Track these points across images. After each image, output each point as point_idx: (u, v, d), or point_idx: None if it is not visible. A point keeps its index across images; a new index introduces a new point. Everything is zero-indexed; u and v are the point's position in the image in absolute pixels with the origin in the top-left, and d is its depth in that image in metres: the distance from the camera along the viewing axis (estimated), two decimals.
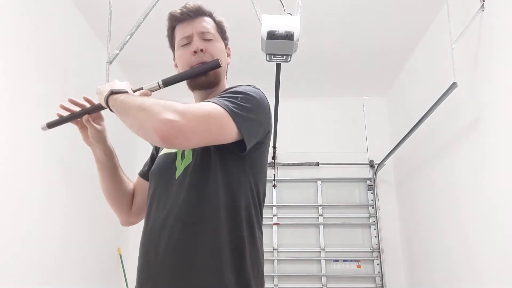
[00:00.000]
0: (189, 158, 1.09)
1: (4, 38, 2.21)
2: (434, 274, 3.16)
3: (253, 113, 1.04)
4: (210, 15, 1.23)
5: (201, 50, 1.16)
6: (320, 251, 4.02)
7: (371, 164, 4.20)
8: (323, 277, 3.94)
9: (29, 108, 2.39)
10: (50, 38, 2.65)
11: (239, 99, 1.03)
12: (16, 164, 2.28)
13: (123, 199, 1.30)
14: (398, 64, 3.79)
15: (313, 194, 4.21)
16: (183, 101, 0.98)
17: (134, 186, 1.34)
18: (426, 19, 3.15)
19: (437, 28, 3.12)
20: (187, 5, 1.20)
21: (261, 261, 1.09)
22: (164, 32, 1.27)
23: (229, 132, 0.99)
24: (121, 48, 2.21)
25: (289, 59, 2.03)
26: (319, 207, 4.14)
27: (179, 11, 1.20)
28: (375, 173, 4.15)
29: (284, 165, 4.23)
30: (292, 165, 4.24)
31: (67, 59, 2.87)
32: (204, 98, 1.22)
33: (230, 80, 1.28)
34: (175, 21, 1.22)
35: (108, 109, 1.10)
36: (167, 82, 1.13)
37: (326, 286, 3.91)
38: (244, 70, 3.58)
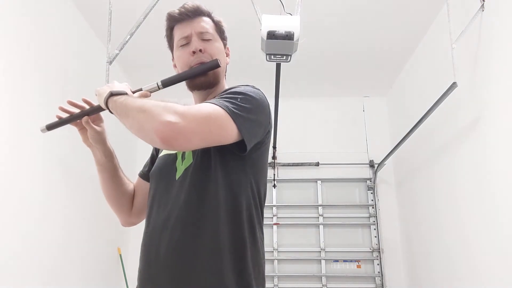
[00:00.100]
0: (189, 159, 1.09)
1: (4, 38, 2.21)
2: (434, 274, 3.16)
3: (253, 114, 1.04)
4: (209, 15, 1.23)
5: (200, 51, 1.16)
6: (320, 251, 4.02)
7: (371, 164, 4.20)
8: (323, 277, 3.94)
9: (29, 108, 2.39)
10: (50, 38, 2.65)
11: (239, 99, 1.03)
12: (16, 164, 2.28)
13: (123, 200, 1.30)
14: (398, 64, 3.79)
15: (313, 194, 4.21)
16: (183, 103, 0.98)
17: (134, 187, 1.34)
18: (426, 19, 3.15)
19: (437, 28, 3.12)
20: (186, 5, 1.20)
21: (262, 262, 1.09)
22: (164, 32, 1.27)
23: (229, 133, 0.99)
24: (121, 48, 2.21)
25: (289, 59, 2.03)
26: (319, 207, 4.14)
27: (177, 11, 1.20)
28: (375, 173, 4.15)
29: (284, 165, 4.23)
30: (292, 165, 4.24)
31: (67, 59, 2.87)
32: (203, 98, 1.22)
33: (230, 80, 1.28)
34: (173, 21, 1.22)
35: (107, 111, 1.10)
36: (166, 83, 1.13)
37: (326, 286, 3.91)
38: (244, 70, 3.58)
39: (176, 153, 1.15)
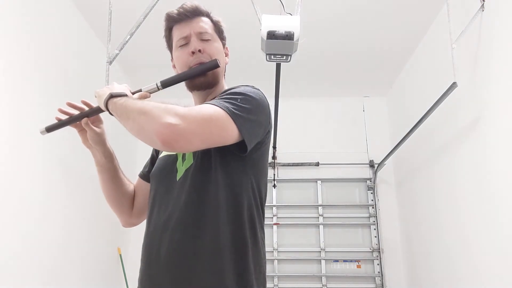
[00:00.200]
0: (190, 160, 1.09)
1: (4, 38, 2.21)
2: (434, 274, 3.16)
3: (253, 114, 1.04)
4: (208, 15, 1.23)
5: (199, 51, 1.16)
6: (320, 251, 4.02)
7: (371, 164, 4.20)
8: (323, 277, 3.94)
9: (29, 108, 2.39)
10: (50, 38, 2.65)
11: (239, 100, 1.03)
12: (16, 164, 2.28)
13: (123, 201, 1.30)
14: (398, 64, 3.78)
15: (313, 194, 4.21)
16: (183, 104, 0.98)
17: (134, 188, 1.34)
18: (426, 19, 3.15)
19: (437, 28, 3.12)
20: (184, 5, 1.20)
21: (263, 262, 1.09)
22: (163, 32, 1.27)
23: (230, 133, 0.99)
24: (121, 48, 2.21)
25: (289, 59, 2.03)
26: (319, 207, 4.14)
27: (176, 11, 1.20)
28: (375, 173, 4.15)
29: (284, 165, 4.23)
30: (292, 165, 4.24)
31: (67, 59, 2.87)
32: (203, 99, 1.22)
33: (230, 80, 1.28)
34: (172, 21, 1.22)
35: (107, 112, 1.10)
36: (166, 83, 1.13)
37: (326, 286, 3.91)
38: (244, 70, 3.58)
39: (176, 154, 1.15)
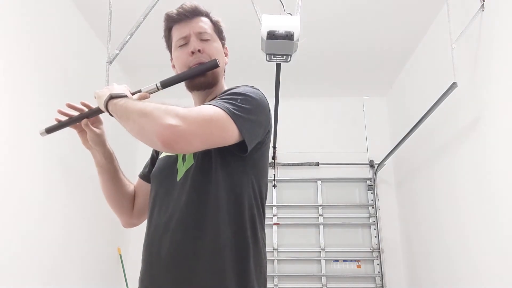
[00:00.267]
0: (190, 161, 1.09)
1: (4, 38, 2.21)
2: (434, 274, 3.16)
3: (253, 114, 1.04)
4: (207, 15, 1.23)
5: (199, 51, 1.16)
6: (320, 251, 4.02)
7: (371, 164, 4.20)
8: (323, 277, 3.94)
9: (29, 108, 2.39)
10: (50, 38, 2.65)
11: (239, 100, 1.03)
12: (16, 164, 2.28)
13: (124, 201, 1.30)
14: (398, 64, 3.78)
15: (313, 194, 4.21)
16: (183, 105, 0.98)
17: (134, 188, 1.34)
18: (426, 19, 3.15)
19: (437, 28, 3.12)
20: (184, 6, 1.20)
21: (264, 262, 1.09)
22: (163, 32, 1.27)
23: (230, 134, 0.99)
24: (121, 48, 2.21)
25: (289, 59, 2.03)
26: (319, 207, 4.14)
27: (175, 11, 1.20)
28: (375, 173, 4.15)
29: (284, 165, 4.23)
30: (292, 165, 4.24)
31: (67, 59, 2.87)
32: (203, 99, 1.22)
33: (230, 80, 1.28)
34: (171, 21, 1.22)
35: (107, 113, 1.09)
36: (166, 84, 1.13)
37: (326, 286, 3.91)
38: (244, 70, 3.58)
39: (176, 155, 1.15)
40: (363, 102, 4.43)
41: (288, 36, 1.88)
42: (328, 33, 3.34)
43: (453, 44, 2.39)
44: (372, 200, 4.14)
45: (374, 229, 4.06)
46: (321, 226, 4.08)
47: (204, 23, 1.20)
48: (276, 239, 4.05)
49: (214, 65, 1.14)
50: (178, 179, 1.10)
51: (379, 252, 3.98)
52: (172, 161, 1.15)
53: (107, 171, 1.25)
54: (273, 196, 4.15)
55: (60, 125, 1.20)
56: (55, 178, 2.67)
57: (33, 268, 2.39)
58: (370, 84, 4.19)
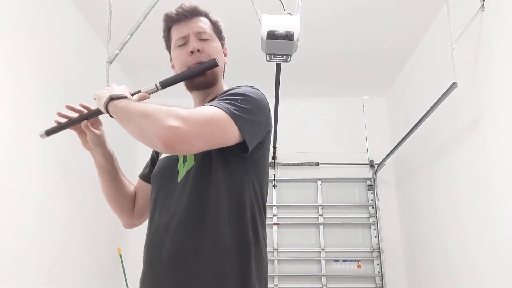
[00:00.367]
0: (191, 162, 1.10)
1: (4, 38, 2.21)
2: (434, 274, 3.16)
3: (253, 114, 1.05)
4: (206, 15, 1.23)
5: (198, 50, 1.16)
6: (320, 251, 4.02)
7: (371, 164, 4.20)
8: (323, 277, 3.94)
9: (29, 108, 2.39)
10: (50, 38, 2.65)
11: (239, 101, 1.03)
12: (16, 164, 2.28)
13: (124, 202, 1.29)
14: (398, 64, 3.78)
15: (313, 194, 4.21)
16: (184, 106, 0.98)
17: (135, 189, 1.33)
18: (426, 19, 3.15)
19: (437, 28, 3.12)
20: (183, 6, 1.20)
21: (265, 262, 1.10)
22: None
23: (231, 135, 1.00)
24: (121, 48, 2.21)
25: (289, 59, 2.03)
26: (319, 207, 4.14)
27: (174, 11, 1.20)
28: (375, 173, 4.15)
29: (284, 165, 4.23)
30: (292, 165, 4.24)
31: (67, 59, 2.87)
32: (202, 98, 1.22)
33: (230, 80, 1.28)
34: (171, 21, 1.22)
35: (106, 114, 1.09)
36: (165, 84, 1.13)
37: (326, 286, 3.91)
38: (244, 70, 3.58)
39: (177, 156, 1.15)
40: (363, 102, 4.43)
41: (288, 36, 1.88)
42: (328, 33, 3.34)
43: (453, 44, 2.39)
44: (372, 200, 4.14)
45: (374, 229, 4.06)
46: (321, 226, 4.08)
47: (203, 23, 1.20)
48: (276, 239, 4.05)
49: (213, 64, 1.14)
50: (178, 180, 1.10)
51: (379, 252, 3.98)
52: (172, 162, 1.15)
53: (107, 172, 1.25)
54: (273, 196, 4.16)
55: (59, 127, 1.20)
56: (55, 179, 2.67)
57: (33, 268, 2.39)
58: (370, 84, 4.19)
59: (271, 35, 1.88)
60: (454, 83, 2.37)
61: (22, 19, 2.37)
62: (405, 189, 3.90)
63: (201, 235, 1.02)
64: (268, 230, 3.97)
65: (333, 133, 4.34)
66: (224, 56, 1.27)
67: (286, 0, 2.13)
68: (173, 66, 1.25)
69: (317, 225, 4.09)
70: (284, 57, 2.01)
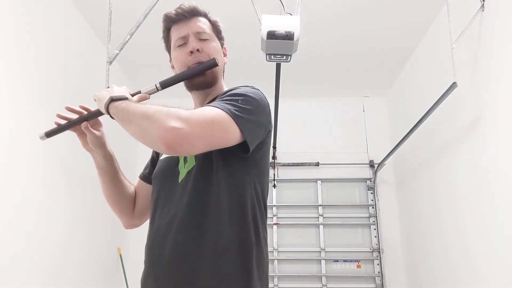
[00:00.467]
0: (191, 162, 1.10)
1: (4, 38, 2.21)
2: (434, 274, 3.16)
3: (254, 115, 1.05)
4: (205, 15, 1.23)
5: (198, 50, 1.16)
6: (320, 251, 4.02)
7: (371, 164, 4.20)
8: (323, 277, 3.94)
9: (29, 108, 2.39)
10: (50, 38, 2.65)
11: (239, 101, 1.04)
12: (16, 165, 2.28)
13: (124, 203, 1.29)
14: (398, 64, 3.78)
15: (313, 194, 4.21)
16: (185, 107, 0.98)
17: (135, 189, 1.33)
18: (426, 19, 3.15)
19: (437, 28, 3.12)
20: (182, 6, 1.20)
21: (265, 262, 1.10)
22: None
23: (232, 135, 1.00)
24: (121, 48, 2.21)
25: (289, 59, 2.03)
26: (319, 207, 4.14)
27: (174, 12, 1.20)
28: (375, 173, 4.15)
29: (284, 165, 4.23)
30: (292, 165, 4.24)
31: (67, 59, 2.87)
32: (202, 98, 1.22)
33: (230, 80, 1.29)
34: (170, 22, 1.22)
35: (107, 115, 1.09)
36: (165, 84, 1.13)
37: (326, 286, 3.91)
38: (244, 70, 3.58)
39: (178, 156, 1.15)
40: (363, 102, 4.43)
41: (288, 36, 1.88)
42: (328, 33, 3.34)
43: (453, 44, 2.39)
44: (372, 200, 4.14)
45: (374, 229, 4.06)
46: (321, 226, 4.08)
47: (202, 23, 1.20)
48: (276, 239, 4.06)
49: (213, 64, 1.14)
50: (179, 180, 1.10)
51: (379, 252, 3.98)
52: (173, 162, 1.15)
53: (107, 173, 1.25)
54: (273, 196, 4.16)
55: (59, 129, 1.19)
56: (56, 179, 2.67)
57: (33, 268, 2.39)
58: (370, 84, 4.19)
59: (271, 35, 1.88)
60: (454, 83, 2.37)
61: (22, 19, 2.37)
62: (405, 189, 3.90)
63: (202, 235, 1.02)
64: (268, 230, 3.99)
65: (333, 133, 4.34)
66: (224, 56, 1.27)
67: (286, 0, 2.13)
68: (172, 67, 1.25)
69: (317, 225, 4.09)
70: (284, 57, 2.01)
